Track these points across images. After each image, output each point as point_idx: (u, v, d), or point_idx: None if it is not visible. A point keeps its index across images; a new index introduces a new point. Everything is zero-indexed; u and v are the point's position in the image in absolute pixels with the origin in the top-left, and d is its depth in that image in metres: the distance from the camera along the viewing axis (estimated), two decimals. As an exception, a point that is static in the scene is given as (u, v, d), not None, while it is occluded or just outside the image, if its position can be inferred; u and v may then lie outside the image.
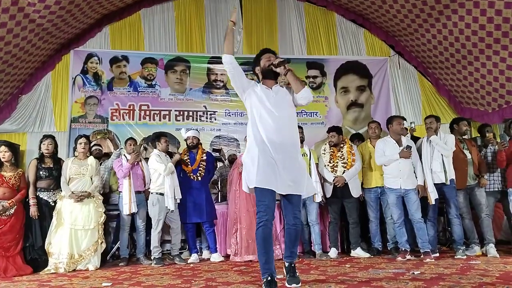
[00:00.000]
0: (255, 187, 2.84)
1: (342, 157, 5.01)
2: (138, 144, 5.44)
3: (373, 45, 7.99)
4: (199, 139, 5.34)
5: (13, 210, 4.33)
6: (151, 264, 4.69)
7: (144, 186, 5.12)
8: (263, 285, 2.70)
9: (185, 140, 5.29)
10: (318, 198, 4.89)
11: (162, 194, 4.85)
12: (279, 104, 2.97)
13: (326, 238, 5.19)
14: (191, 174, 5.12)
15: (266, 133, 2.90)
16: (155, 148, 5.10)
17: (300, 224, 3.09)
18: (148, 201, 4.96)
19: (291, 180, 2.88)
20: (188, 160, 5.18)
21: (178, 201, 4.97)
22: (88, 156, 4.81)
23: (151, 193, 4.92)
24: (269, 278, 2.68)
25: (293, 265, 2.97)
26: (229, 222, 5.07)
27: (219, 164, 6.44)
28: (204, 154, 5.29)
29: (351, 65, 7.87)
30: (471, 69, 6.57)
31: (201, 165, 5.18)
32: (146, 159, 5.35)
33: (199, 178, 5.13)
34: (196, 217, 5.02)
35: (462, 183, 4.75)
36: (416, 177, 4.60)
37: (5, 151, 4.47)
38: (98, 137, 6.57)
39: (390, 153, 4.62)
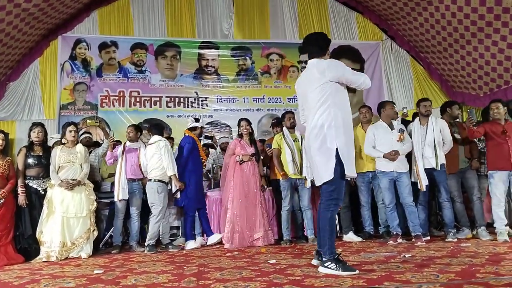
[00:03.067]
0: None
1: (334, 142, 4.99)
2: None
3: (365, 29, 7.94)
4: None
5: (3, 200, 4.28)
6: (144, 251, 4.68)
7: (142, 174, 5.03)
8: (333, 262, 2.79)
9: (201, 128, 5.33)
10: (310, 184, 4.88)
11: (162, 181, 4.84)
12: None
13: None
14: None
15: (348, 117, 2.96)
16: (161, 135, 5.06)
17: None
18: (147, 188, 4.89)
19: None
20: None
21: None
22: (76, 144, 4.75)
23: (153, 180, 4.82)
24: (336, 256, 2.85)
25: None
26: (222, 211, 5.09)
27: (211, 151, 6.40)
28: None
29: (344, 49, 7.82)
30: (463, 53, 6.55)
31: None
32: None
33: None
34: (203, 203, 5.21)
35: (454, 167, 4.77)
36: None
37: (3, 139, 4.44)
38: (89, 122, 6.40)
39: (383, 137, 4.61)
